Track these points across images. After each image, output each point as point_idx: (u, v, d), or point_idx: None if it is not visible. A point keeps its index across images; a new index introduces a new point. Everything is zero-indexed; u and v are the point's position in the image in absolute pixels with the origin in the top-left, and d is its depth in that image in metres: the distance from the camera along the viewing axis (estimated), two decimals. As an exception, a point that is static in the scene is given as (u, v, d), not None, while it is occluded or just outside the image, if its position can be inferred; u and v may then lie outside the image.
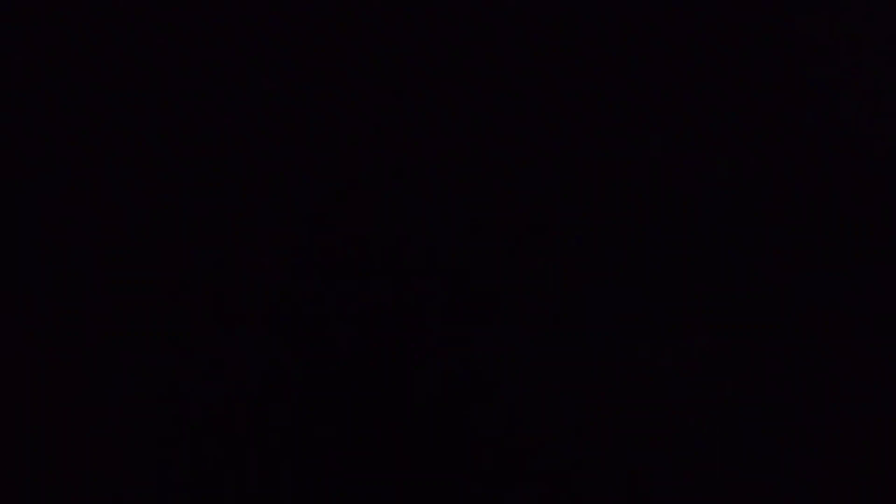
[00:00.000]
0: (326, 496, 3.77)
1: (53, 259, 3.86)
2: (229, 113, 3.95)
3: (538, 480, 3.79)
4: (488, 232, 3.94)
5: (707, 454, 3.78)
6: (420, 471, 3.78)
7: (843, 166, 3.92)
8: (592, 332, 3.90)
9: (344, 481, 3.78)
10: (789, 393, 3.82)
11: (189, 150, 3.95)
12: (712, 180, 3.95)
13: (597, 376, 3.88)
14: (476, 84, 3.97)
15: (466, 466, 3.80)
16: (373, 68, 3.97)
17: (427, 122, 3.97)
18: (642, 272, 3.94)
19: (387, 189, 3.95)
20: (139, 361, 3.81)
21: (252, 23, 3.96)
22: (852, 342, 3.83)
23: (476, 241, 3.94)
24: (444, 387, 3.85)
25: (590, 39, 3.98)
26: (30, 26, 3.89)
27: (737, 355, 3.86)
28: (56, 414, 3.76)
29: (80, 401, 3.77)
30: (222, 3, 3.93)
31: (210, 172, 3.94)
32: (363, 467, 3.79)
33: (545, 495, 3.78)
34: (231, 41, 3.96)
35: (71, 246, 3.86)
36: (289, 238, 3.93)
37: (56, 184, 3.89)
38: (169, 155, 3.93)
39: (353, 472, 3.78)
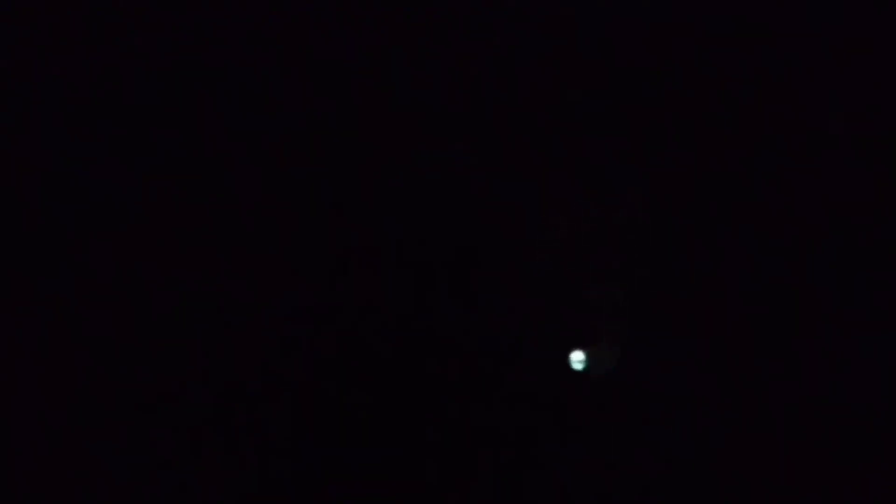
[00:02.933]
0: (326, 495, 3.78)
1: (55, 260, 3.86)
2: (230, 116, 3.96)
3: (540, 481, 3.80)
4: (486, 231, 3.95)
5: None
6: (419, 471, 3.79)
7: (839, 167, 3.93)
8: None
9: (344, 481, 3.78)
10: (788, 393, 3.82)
11: (190, 152, 3.95)
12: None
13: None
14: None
15: (466, 466, 3.80)
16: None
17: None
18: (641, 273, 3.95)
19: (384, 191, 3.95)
20: (139, 362, 3.82)
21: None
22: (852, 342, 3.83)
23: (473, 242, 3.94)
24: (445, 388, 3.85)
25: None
26: (30, 26, 3.89)
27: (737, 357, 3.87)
28: (56, 413, 3.76)
29: (80, 400, 3.77)
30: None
31: (211, 175, 3.95)
32: (363, 467, 3.79)
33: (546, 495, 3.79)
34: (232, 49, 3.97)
35: (71, 248, 3.86)
36: (289, 241, 3.94)
37: (59, 185, 3.89)
38: (170, 157, 3.94)
39: (353, 472, 3.79)
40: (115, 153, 3.93)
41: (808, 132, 3.95)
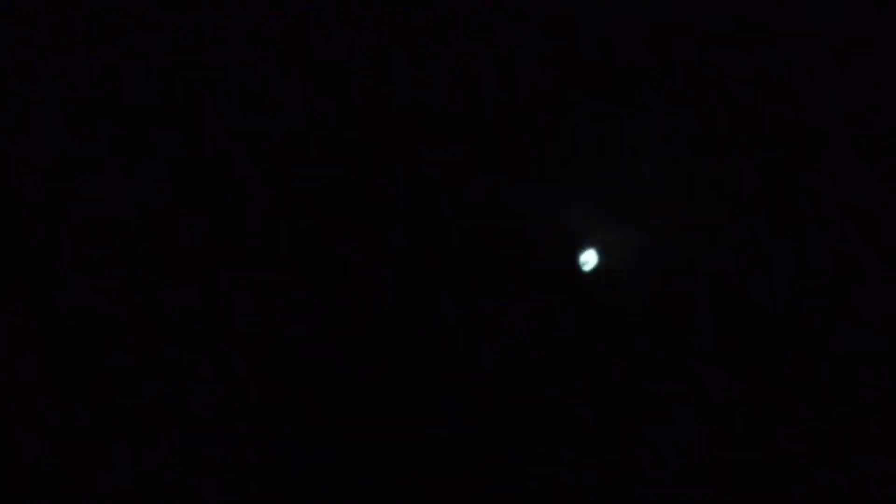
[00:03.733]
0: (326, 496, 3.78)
1: (55, 260, 3.86)
2: (230, 116, 3.96)
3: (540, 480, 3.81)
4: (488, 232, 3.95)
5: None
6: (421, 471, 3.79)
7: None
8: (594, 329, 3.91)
9: (344, 481, 3.78)
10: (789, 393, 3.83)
11: (190, 152, 3.95)
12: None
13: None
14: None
15: (468, 466, 3.80)
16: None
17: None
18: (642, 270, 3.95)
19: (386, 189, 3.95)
20: (140, 361, 3.82)
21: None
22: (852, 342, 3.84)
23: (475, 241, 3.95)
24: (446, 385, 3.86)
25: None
26: (30, 27, 3.89)
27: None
28: (56, 413, 3.77)
29: (80, 400, 3.78)
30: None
31: (210, 173, 3.95)
32: (363, 467, 3.79)
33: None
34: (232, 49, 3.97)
35: (71, 247, 3.86)
36: (289, 238, 3.94)
37: (60, 186, 3.89)
38: (171, 156, 3.94)
39: (353, 472, 3.79)
40: (115, 153, 3.93)
41: (808, 132, 3.95)
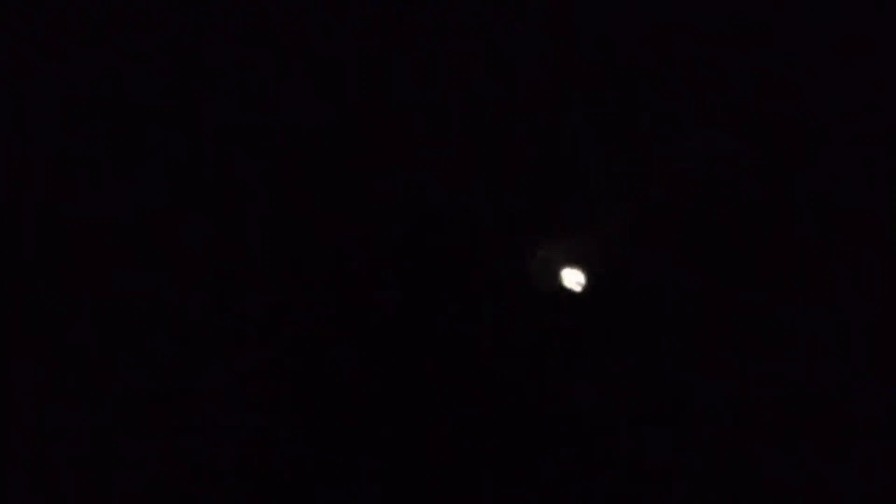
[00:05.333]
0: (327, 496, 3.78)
1: (56, 259, 3.86)
2: (230, 116, 3.96)
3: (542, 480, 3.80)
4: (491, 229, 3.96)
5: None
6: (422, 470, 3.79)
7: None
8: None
9: (345, 482, 3.78)
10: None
11: (190, 152, 3.96)
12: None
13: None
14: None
15: (469, 465, 3.80)
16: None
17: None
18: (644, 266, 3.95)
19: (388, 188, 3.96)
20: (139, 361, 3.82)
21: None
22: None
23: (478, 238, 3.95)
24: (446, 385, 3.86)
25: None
26: (31, 27, 3.90)
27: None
28: (56, 413, 3.77)
29: (81, 400, 3.78)
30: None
31: (211, 173, 3.95)
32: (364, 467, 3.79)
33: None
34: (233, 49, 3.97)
35: (73, 247, 3.87)
36: (289, 238, 3.94)
37: (60, 186, 3.89)
38: (171, 157, 3.94)
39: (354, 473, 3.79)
40: (114, 153, 3.94)
41: (809, 132, 3.96)
